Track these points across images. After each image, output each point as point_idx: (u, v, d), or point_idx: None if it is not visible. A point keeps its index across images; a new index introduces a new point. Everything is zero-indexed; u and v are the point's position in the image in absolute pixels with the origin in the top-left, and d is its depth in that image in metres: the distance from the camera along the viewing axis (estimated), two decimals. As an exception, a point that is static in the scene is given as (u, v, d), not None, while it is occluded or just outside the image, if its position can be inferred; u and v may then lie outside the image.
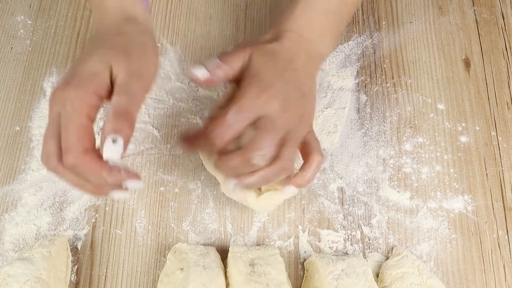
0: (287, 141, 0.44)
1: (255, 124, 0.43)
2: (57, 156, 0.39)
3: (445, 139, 0.60)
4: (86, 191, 0.42)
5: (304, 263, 0.53)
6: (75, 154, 0.38)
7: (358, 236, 0.55)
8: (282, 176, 0.46)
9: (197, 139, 0.45)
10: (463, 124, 0.61)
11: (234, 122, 0.42)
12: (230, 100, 0.45)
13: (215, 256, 0.51)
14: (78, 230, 0.55)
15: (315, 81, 0.50)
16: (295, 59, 0.47)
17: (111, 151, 0.39)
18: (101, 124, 0.60)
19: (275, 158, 0.44)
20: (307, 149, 0.48)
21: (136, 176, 0.41)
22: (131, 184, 0.41)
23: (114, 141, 0.39)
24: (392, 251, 0.54)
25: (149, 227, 0.55)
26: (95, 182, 0.40)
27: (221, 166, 0.45)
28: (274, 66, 0.46)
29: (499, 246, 0.55)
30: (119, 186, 0.41)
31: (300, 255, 0.54)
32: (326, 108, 0.61)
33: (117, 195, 0.42)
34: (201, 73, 0.45)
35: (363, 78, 0.63)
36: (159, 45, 0.65)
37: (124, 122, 0.39)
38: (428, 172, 0.58)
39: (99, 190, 0.42)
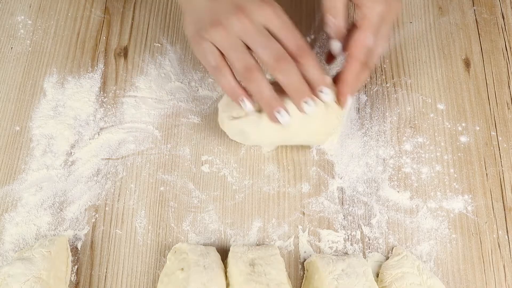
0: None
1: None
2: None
3: (445, 139, 0.60)
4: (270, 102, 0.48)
5: (304, 263, 0.53)
6: (306, 51, 0.47)
7: (358, 236, 0.55)
8: None
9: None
10: (463, 124, 0.61)
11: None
12: None
13: (215, 256, 0.51)
14: (78, 230, 0.55)
15: None
16: None
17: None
18: (101, 124, 0.60)
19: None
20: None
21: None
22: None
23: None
24: (392, 251, 0.54)
25: (149, 227, 0.55)
26: (314, 78, 0.48)
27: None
28: None
29: (499, 246, 0.55)
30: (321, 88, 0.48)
31: (300, 255, 0.54)
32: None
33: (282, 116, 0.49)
34: (336, 47, 0.50)
35: (363, 78, 0.63)
36: (159, 45, 0.65)
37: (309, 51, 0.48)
38: (428, 172, 0.58)
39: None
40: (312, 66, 0.47)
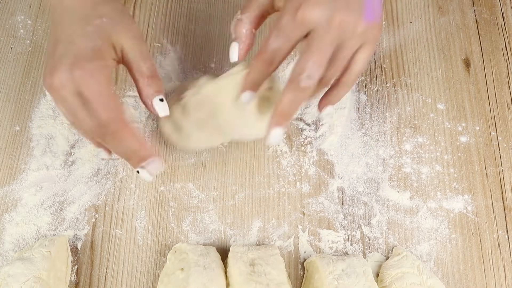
0: (335, 59, 0.39)
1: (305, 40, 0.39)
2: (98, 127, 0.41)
3: (445, 139, 0.60)
4: (129, 156, 0.44)
5: (304, 263, 0.53)
6: (117, 124, 0.40)
7: (358, 236, 0.55)
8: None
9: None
10: (463, 124, 0.61)
11: (278, 46, 0.39)
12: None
13: (215, 256, 0.51)
14: (78, 230, 0.55)
15: None
16: None
17: (163, 109, 0.45)
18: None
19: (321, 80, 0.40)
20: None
21: (161, 157, 0.44)
22: (154, 163, 0.43)
23: (161, 100, 0.44)
24: (392, 251, 0.54)
25: (149, 227, 0.55)
26: (131, 150, 0.43)
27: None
28: None
29: (499, 246, 0.55)
30: (147, 158, 0.43)
31: (300, 255, 0.54)
32: (326, 108, 0.61)
33: (142, 172, 0.44)
34: (233, 53, 0.44)
35: (363, 78, 0.64)
36: (159, 45, 0.65)
37: (158, 81, 0.42)
38: (428, 172, 0.58)
39: (135, 159, 0.43)
40: (125, 140, 0.42)
